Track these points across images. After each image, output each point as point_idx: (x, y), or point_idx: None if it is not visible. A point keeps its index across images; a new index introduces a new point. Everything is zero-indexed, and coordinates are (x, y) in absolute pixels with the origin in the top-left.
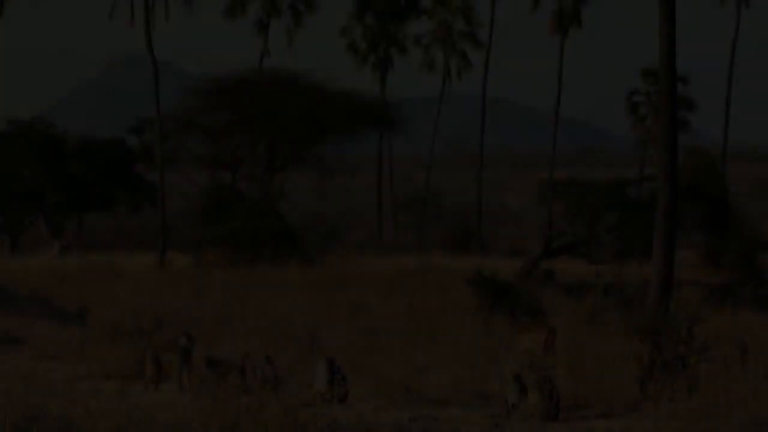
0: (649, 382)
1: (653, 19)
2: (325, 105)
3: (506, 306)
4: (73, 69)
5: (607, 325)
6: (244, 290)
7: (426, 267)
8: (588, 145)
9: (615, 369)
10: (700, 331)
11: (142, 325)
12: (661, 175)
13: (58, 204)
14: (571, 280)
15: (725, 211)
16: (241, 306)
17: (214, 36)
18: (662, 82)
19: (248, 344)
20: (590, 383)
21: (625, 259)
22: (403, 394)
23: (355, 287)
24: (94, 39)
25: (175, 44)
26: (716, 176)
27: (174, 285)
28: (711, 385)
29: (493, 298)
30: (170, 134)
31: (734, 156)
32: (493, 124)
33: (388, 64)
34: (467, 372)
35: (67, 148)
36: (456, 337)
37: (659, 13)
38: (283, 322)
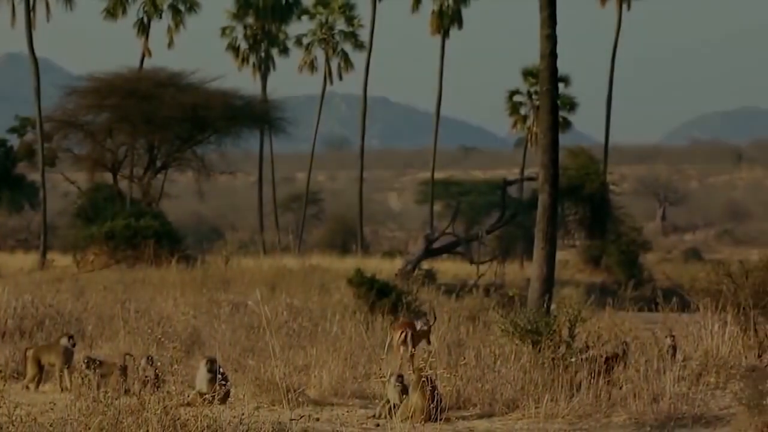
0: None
1: (535, 20)
2: (205, 105)
3: (387, 306)
4: None
5: (488, 325)
6: (125, 290)
7: (307, 267)
8: (469, 145)
9: (496, 369)
10: (581, 331)
11: (22, 326)
12: (542, 175)
13: None
14: (452, 280)
15: (606, 211)
16: (122, 306)
17: (95, 36)
18: (543, 83)
19: (129, 344)
20: (471, 383)
21: (506, 258)
22: (284, 394)
23: (237, 287)
24: None
25: (57, 44)
26: (597, 177)
27: (55, 285)
28: (592, 386)
29: (373, 298)
30: (51, 134)
31: (615, 156)
32: (374, 124)
33: (269, 64)
34: (348, 372)
35: None
36: (337, 337)
37: (540, 13)
38: (164, 322)
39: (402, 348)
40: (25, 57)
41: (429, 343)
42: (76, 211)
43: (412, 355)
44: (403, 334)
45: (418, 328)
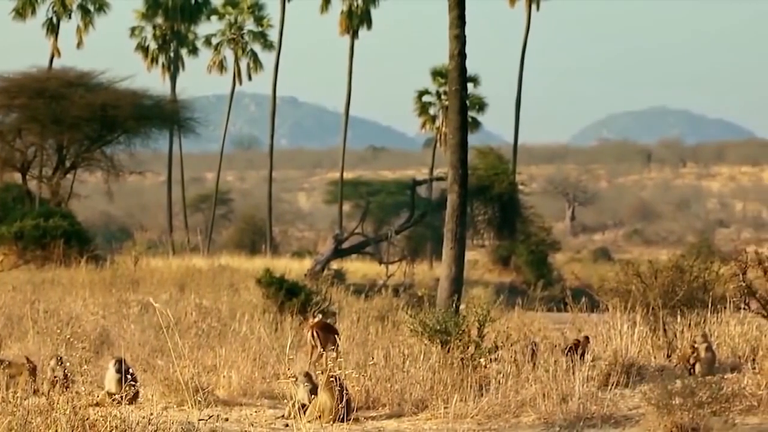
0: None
1: (444, 20)
2: (114, 105)
3: (296, 306)
4: None
5: (397, 325)
6: (35, 290)
7: (216, 267)
8: (378, 145)
9: (405, 369)
10: (490, 331)
11: None
12: (451, 175)
13: None
14: (362, 280)
15: (515, 211)
16: (31, 306)
17: (4, 36)
18: (452, 83)
19: (38, 345)
20: (380, 383)
21: (415, 258)
22: (193, 395)
23: (146, 287)
24: None
25: None
26: (506, 177)
27: None
28: (501, 386)
29: (282, 298)
30: None
31: (524, 156)
32: (284, 124)
33: (179, 64)
34: (257, 372)
35: None
36: (246, 337)
37: (449, 13)
38: (73, 323)
39: (312, 347)
40: None
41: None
42: None
43: (321, 355)
44: (312, 333)
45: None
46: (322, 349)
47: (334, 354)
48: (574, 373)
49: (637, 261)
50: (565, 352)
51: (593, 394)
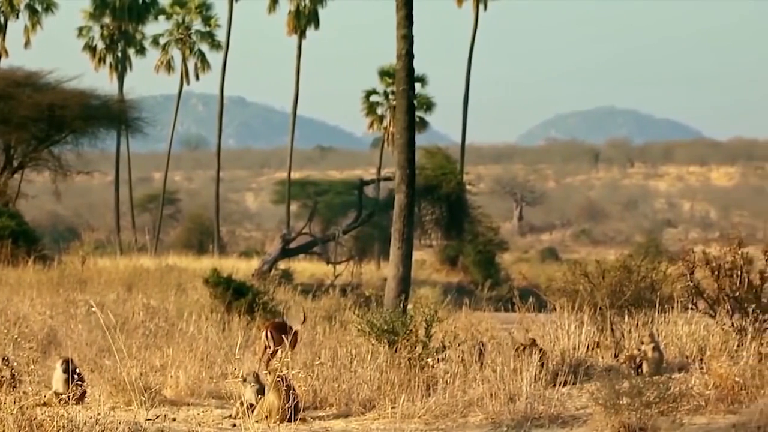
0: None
1: (392, 20)
2: (62, 104)
3: (243, 306)
4: None
5: (345, 324)
6: None
7: (164, 267)
8: (326, 145)
9: (352, 369)
10: (438, 331)
11: None
12: (399, 175)
13: None
14: (309, 280)
15: (462, 211)
16: None
17: None
18: (400, 83)
19: None
20: (328, 383)
21: (363, 258)
22: (141, 395)
23: (94, 287)
24: None
25: None
26: (454, 176)
27: None
28: (449, 385)
29: (230, 298)
30: None
31: (472, 156)
32: (231, 124)
33: (126, 64)
34: (204, 372)
35: None
36: (193, 337)
37: (397, 13)
38: (20, 323)
39: (265, 347)
40: None
41: (296, 343)
42: None
43: (273, 354)
44: (266, 333)
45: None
46: (275, 349)
47: (288, 354)
48: (521, 373)
49: (584, 261)
50: (519, 351)
51: (541, 394)
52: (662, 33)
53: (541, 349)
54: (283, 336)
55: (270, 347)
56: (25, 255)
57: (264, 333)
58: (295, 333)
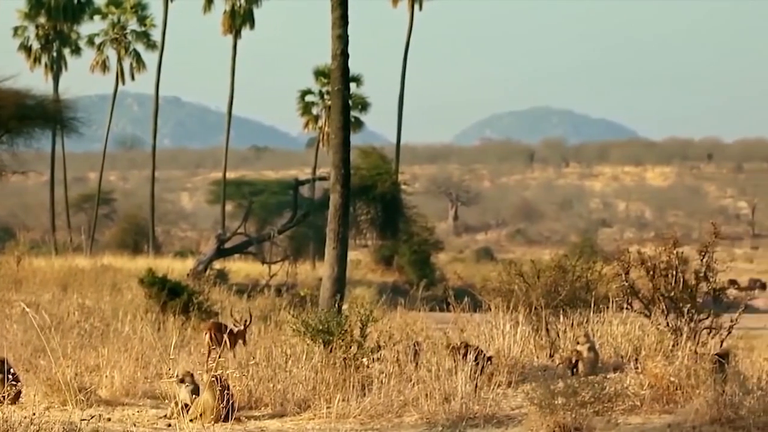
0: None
1: (327, 20)
2: None
3: (178, 306)
4: None
5: (280, 324)
6: None
7: (99, 267)
8: (261, 145)
9: (287, 369)
10: (373, 331)
11: None
12: (334, 175)
13: None
14: (245, 280)
15: (397, 211)
16: None
17: None
18: (335, 83)
19: None
20: (263, 383)
21: (298, 258)
22: (76, 395)
23: (29, 287)
24: None
25: None
26: (389, 176)
27: None
28: (384, 385)
29: (165, 298)
30: None
31: (407, 156)
32: (166, 124)
33: (62, 64)
34: (140, 372)
35: None
36: (128, 337)
37: (332, 13)
38: None
39: (210, 348)
40: None
41: (245, 343)
42: None
43: (210, 353)
44: (208, 334)
45: (236, 329)
46: (217, 349)
47: (225, 354)
48: (456, 373)
49: (519, 261)
50: (453, 351)
51: (476, 394)
52: (598, 34)
53: (477, 348)
54: (225, 336)
55: (213, 348)
56: None
57: (206, 334)
58: (240, 333)
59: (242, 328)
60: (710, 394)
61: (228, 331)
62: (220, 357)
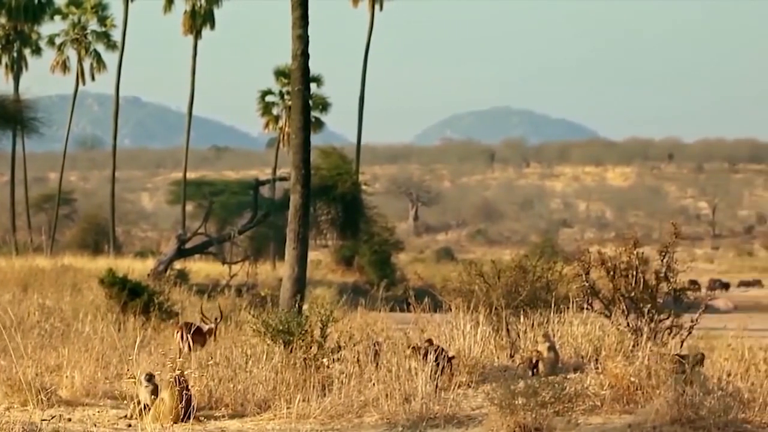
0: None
1: (287, 20)
2: None
3: (139, 306)
4: None
5: (240, 325)
6: None
7: (59, 267)
8: (221, 145)
9: (248, 369)
10: (333, 332)
11: None
12: (294, 176)
13: None
14: (205, 280)
15: (358, 211)
16: None
17: None
18: (295, 83)
19: None
20: (223, 383)
21: (259, 259)
22: (36, 395)
23: None
24: None
25: None
26: (349, 177)
27: None
28: (344, 386)
29: (125, 298)
30: None
31: (367, 156)
32: (127, 124)
33: (22, 64)
34: (100, 372)
35: None
36: (89, 337)
37: (292, 13)
38: None
39: (180, 348)
40: None
41: (216, 340)
42: None
43: (187, 355)
44: (179, 334)
45: (205, 328)
46: (189, 348)
47: (198, 353)
48: (417, 373)
49: (480, 261)
50: (416, 351)
51: (436, 394)
52: (558, 34)
53: (438, 348)
54: (194, 336)
55: (183, 348)
56: None
57: (178, 334)
58: (210, 330)
59: (213, 325)
60: (671, 395)
61: (196, 329)
62: (180, 356)
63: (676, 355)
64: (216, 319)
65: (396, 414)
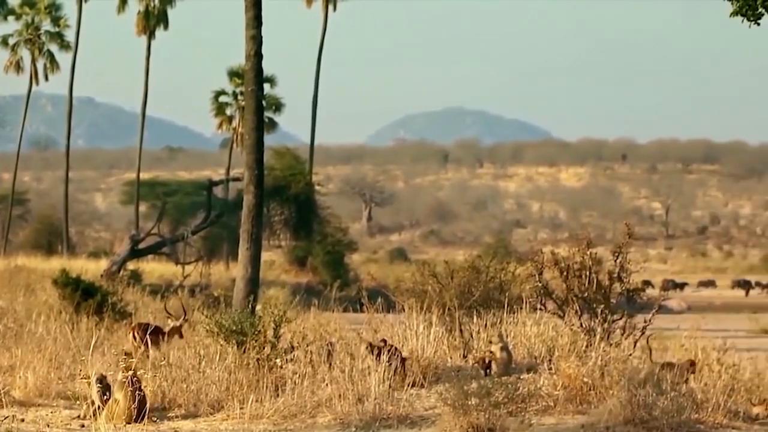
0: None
1: (241, 21)
2: None
3: (92, 306)
4: None
5: (193, 325)
6: None
7: (13, 267)
8: (175, 145)
9: (201, 370)
10: (287, 332)
11: None
12: (247, 176)
13: None
14: (158, 281)
15: (311, 212)
16: None
17: None
18: (248, 83)
19: None
20: (176, 384)
21: (212, 259)
22: None
23: None
24: None
25: None
26: (303, 177)
27: None
28: (297, 386)
29: (79, 298)
30: None
31: (321, 157)
32: (80, 125)
33: None
34: (53, 372)
35: None
36: (42, 337)
37: (245, 14)
38: None
39: (134, 348)
40: None
41: (182, 337)
42: None
43: (129, 353)
44: (131, 334)
45: (168, 327)
46: (142, 347)
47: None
48: (370, 374)
49: (433, 261)
50: (371, 349)
51: (389, 395)
52: (509, 35)
53: (391, 348)
54: (150, 336)
55: (138, 348)
56: None
57: (130, 334)
58: (175, 329)
59: (178, 324)
60: (624, 395)
61: (155, 329)
62: (134, 357)
63: (666, 362)
64: (182, 316)
65: (349, 414)
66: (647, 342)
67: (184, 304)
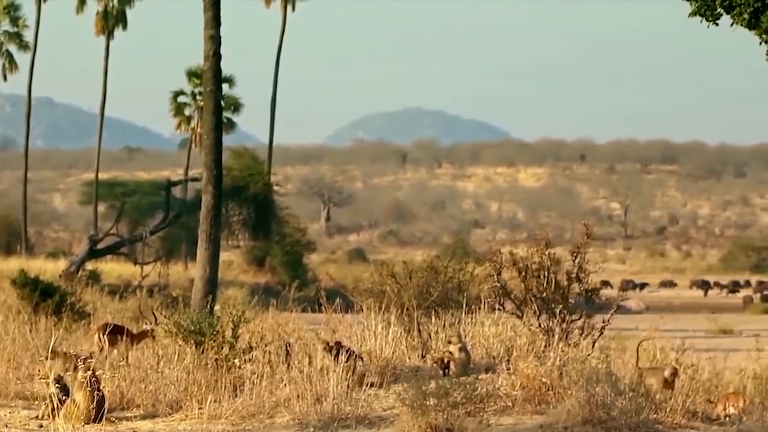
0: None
1: (200, 21)
2: None
3: (51, 307)
4: None
5: (151, 325)
6: None
7: None
8: (134, 145)
9: (159, 370)
10: (245, 332)
11: None
12: (206, 176)
13: None
14: (117, 281)
15: (270, 212)
16: None
17: None
18: (207, 83)
19: None
20: (135, 384)
21: (170, 259)
22: None
23: None
24: None
25: None
26: (261, 177)
27: None
28: (255, 386)
29: (37, 298)
30: None
31: (279, 157)
32: (39, 125)
33: None
34: (12, 372)
35: None
36: (0, 337)
37: (204, 14)
38: None
39: (100, 348)
40: None
41: (154, 339)
42: None
43: (106, 356)
44: (97, 335)
45: (138, 330)
46: (108, 348)
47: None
48: (328, 374)
49: (391, 261)
50: (327, 349)
51: (347, 395)
52: (467, 35)
53: (348, 349)
54: (117, 336)
55: (103, 348)
56: None
57: (96, 335)
58: (144, 332)
59: (149, 327)
60: (582, 395)
61: (121, 329)
62: (99, 356)
63: (648, 368)
64: (154, 320)
65: (307, 414)
66: (637, 348)
67: (153, 309)
